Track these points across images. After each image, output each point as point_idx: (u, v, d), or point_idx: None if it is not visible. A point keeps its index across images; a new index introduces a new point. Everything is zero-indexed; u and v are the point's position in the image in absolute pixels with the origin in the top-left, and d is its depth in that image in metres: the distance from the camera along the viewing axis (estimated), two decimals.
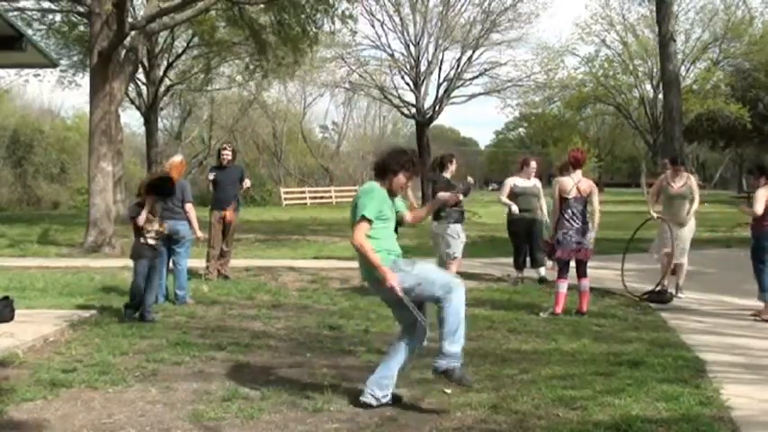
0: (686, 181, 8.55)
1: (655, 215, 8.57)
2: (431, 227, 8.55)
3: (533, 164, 9.67)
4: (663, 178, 8.85)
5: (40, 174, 36.17)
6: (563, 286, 7.38)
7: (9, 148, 35.58)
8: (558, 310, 7.34)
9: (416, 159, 4.68)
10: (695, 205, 8.55)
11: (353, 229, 4.38)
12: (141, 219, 7.04)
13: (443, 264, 8.27)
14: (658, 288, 7.99)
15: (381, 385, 4.45)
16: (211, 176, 9.85)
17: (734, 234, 14.74)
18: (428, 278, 4.35)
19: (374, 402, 4.41)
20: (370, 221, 4.35)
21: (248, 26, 19.76)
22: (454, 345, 4.27)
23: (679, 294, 8.40)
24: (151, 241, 7.15)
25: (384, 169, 4.56)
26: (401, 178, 4.54)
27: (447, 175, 8.50)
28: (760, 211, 7.21)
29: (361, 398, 4.45)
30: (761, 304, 7.23)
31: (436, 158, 8.86)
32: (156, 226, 7.17)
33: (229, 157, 9.91)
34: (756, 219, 7.31)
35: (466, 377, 4.36)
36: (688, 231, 8.52)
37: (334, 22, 18.10)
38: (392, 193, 4.57)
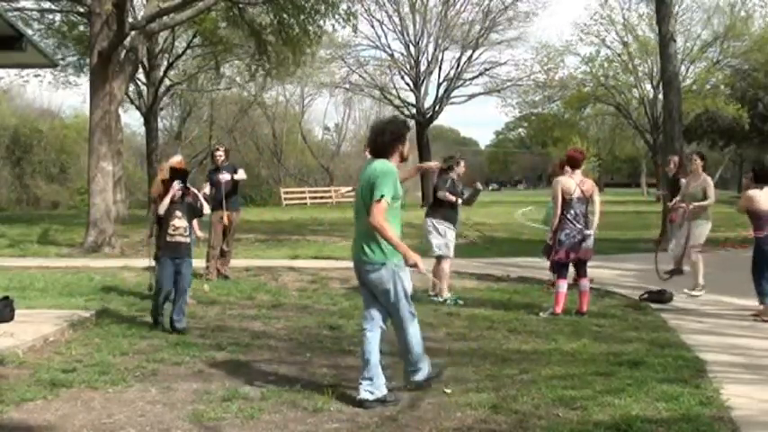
0: (701, 182, 8.72)
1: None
2: (423, 223, 8.51)
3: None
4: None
5: (40, 174, 36.17)
6: (563, 286, 7.38)
7: (8, 148, 35.57)
8: (558, 310, 7.33)
9: (405, 121, 4.90)
10: (705, 203, 8.73)
11: (372, 210, 4.35)
12: (163, 207, 6.76)
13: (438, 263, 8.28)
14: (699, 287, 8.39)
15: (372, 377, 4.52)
16: (207, 190, 9.71)
17: (734, 234, 14.75)
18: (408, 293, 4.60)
19: (371, 397, 4.45)
20: (387, 202, 4.38)
21: (248, 26, 19.77)
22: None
23: (684, 290, 8.46)
24: (179, 239, 6.76)
25: (392, 145, 4.57)
26: (406, 146, 4.66)
27: (453, 175, 8.44)
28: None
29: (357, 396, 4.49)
30: (761, 306, 7.23)
31: (446, 159, 8.79)
32: (184, 222, 6.80)
33: (223, 158, 9.93)
34: (759, 226, 7.31)
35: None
36: (695, 229, 8.62)
37: (337, 21, 18.09)
38: (404, 161, 4.70)
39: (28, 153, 35.92)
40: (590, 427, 4.04)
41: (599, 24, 37.15)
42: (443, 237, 8.23)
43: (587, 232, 7.27)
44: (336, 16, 17.84)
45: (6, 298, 6.87)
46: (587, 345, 6.03)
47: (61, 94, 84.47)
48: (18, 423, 4.19)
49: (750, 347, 5.97)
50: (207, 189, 9.78)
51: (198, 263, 9.71)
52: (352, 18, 18.09)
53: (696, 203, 8.75)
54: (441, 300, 8.15)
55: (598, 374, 5.07)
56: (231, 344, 6.08)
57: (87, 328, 6.66)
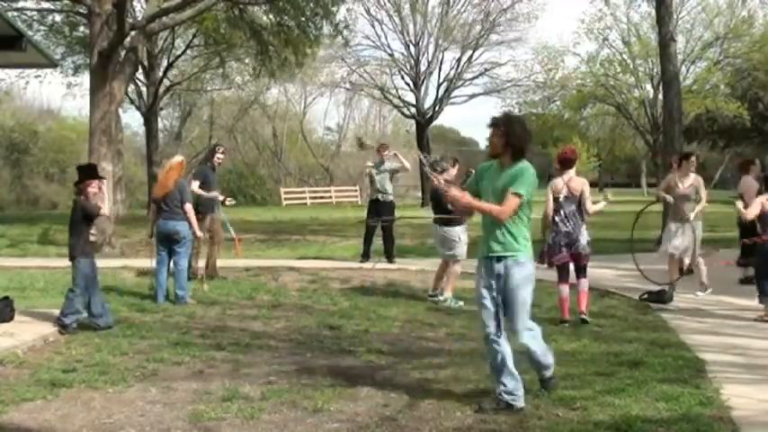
0: (692, 182, 8.60)
1: (664, 197, 8.66)
2: (432, 228, 8.50)
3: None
4: (670, 178, 8.87)
5: (39, 174, 36.17)
6: (564, 290, 7.18)
7: (7, 149, 35.58)
8: (566, 315, 7.09)
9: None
10: (700, 206, 8.58)
11: (506, 202, 4.35)
12: (107, 208, 6.90)
13: (446, 264, 8.26)
14: (666, 287, 8.06)
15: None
16: (195, 186, 9.53)
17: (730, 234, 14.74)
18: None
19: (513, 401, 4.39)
20: (521, 201, 4.39)
21: (249, 27, 19.77)
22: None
23: (697, 293, 8.49)
24: (93, 238, 6.86)
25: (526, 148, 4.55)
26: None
27: (447, 177, 8.40)
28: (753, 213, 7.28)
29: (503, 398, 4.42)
30: (761, 305, 7.22)
31: (432, 164, 8.76)
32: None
33: (222, 160, 9.94)
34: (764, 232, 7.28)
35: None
36: (698, 231, 8.59)
37: (334, 27, 18.13)
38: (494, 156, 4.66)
39: (26, 153, 35.93)
40: (590, 427, 4.04)
41: (602, 22, 37.14)
42: (460, 241, 8.17)
43: (582, 237, 7.10)
44: (332, 25, 17.88)
45: (6, 298, 6.88)
46: (587, 345, 6.03)
47: (61, 94, 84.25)
48: (18, 423, 4.19)
49: (750, 347, 5.97)
50: (195, 185, 9.60)
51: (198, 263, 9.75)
52: (346, 30, 18.14)
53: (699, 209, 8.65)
54: (441, 300, 8.15)
55: (598, 374, 5.07)
56: (231, 344, 6.08)
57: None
